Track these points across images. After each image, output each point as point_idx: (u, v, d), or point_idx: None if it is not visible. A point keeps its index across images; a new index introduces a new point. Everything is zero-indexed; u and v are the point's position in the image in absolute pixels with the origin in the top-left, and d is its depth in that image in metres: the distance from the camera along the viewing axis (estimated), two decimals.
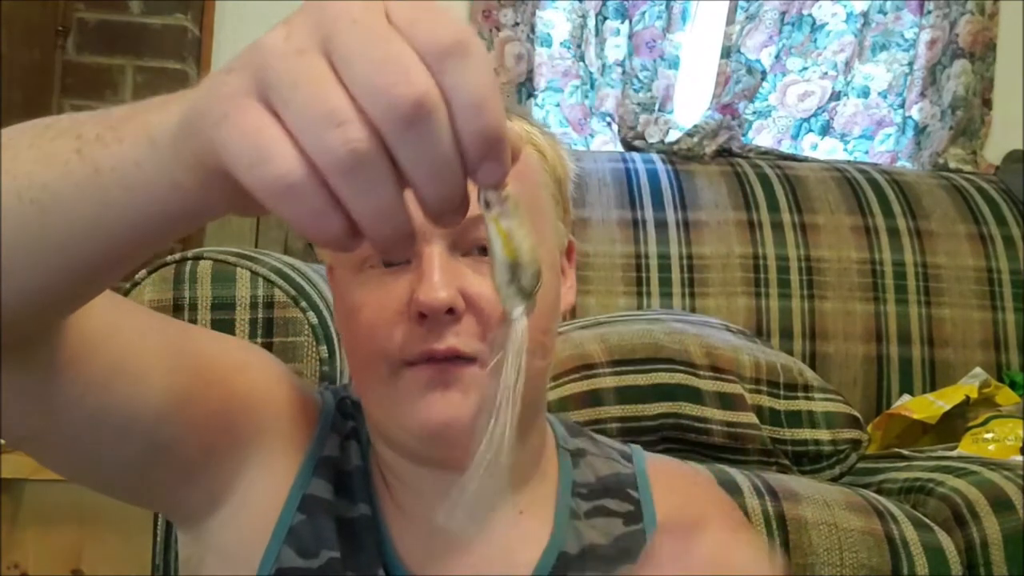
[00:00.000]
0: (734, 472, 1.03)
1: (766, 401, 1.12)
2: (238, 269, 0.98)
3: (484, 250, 0.62)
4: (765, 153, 1.99)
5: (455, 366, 0.60)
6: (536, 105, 2.06)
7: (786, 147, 2.09)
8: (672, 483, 0.75)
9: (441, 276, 0.59)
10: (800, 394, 1.14)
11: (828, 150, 2.12)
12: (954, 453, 1.29)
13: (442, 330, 0.60)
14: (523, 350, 0.38)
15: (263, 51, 0.34)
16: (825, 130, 2.12)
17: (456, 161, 0.34)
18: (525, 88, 2.04)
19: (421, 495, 0.67)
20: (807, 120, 2.11)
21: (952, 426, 1.42)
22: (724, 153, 1.92)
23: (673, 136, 1.95)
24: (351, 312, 0.64)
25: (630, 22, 2.04)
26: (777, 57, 2.06)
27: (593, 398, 1.09)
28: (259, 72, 0.33)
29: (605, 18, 2.04)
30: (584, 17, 2.06)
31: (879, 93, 2.12)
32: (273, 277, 0.99)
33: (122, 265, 0.45)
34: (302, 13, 0.34)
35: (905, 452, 1.32)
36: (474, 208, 0.37)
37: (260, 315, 0.97)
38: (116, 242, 0.41)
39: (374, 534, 0.66)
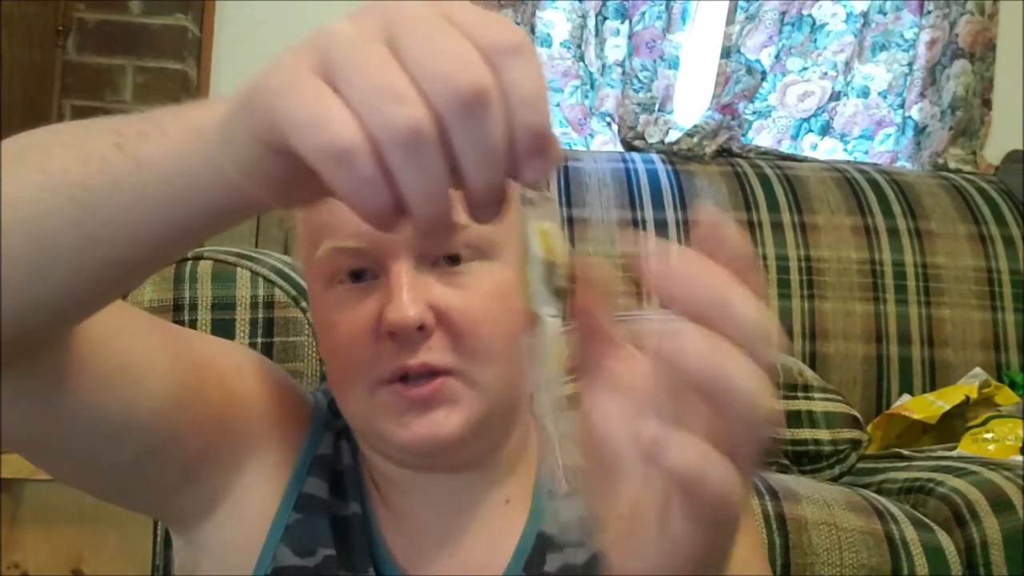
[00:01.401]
0: None
1: None
2: (238, 269, 0.98)
3: (452, 259, 0.62)
4: (765, 153, 1.99)
5: (432, 391, 0.61)
6: None
7: (786, 147, 2.09)
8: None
9: (409, 293, 0.59)
10: (800, 394, 1.15)
11: (828, 150, 2.12)
12: (954, 453, 1.29)
13: (414, 347, 0.60)
14: (562, 351, 0.38)
15: (328, 36, 0.35)
16: (825, 130, 2.12)
17: (505, 152, 0.35)
18: None
19: (408, 495, 0.68)
20: (807, 120, 2.12)
21: (952, 426, 1.42)
22: (724, 153, 1.92)
23: (673, 136, 1.95)
24: (324, 329, 0.65)
25: (630, 22, 2.04)
26: (777, 57, 2.06)
27: None
28: (324, 53, 0.34)
29: (605, 18, 2.04)
30: (584, 17, 2.06)
31: (879, 93, 2.12)
32: (273, 277, 0.99)
33: (153, 264, 0.45)
34: (367, 9, 0.35)
35: (905, 452, 1.32)
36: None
37: (260, 315, 0.97)
38: (152, 239, 0.42)
39: (365, 532, 0.67)
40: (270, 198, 0.38)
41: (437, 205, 0.34)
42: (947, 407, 1.43)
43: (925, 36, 2.08)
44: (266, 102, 0.35)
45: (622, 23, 2.04)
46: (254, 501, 0.66)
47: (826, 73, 2.09)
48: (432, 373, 0.61)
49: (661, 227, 1.71)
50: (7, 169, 0.41)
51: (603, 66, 2.05)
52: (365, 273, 0.62)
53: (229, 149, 0.38)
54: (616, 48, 2.04)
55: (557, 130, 2.07)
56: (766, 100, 2.09)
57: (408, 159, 0.33)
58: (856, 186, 1.80)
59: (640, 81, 2.02)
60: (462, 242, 0.62)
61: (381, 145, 0.33)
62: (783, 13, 2.05)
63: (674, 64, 2.04)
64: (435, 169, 0.34)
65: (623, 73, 2.04)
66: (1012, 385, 1.54)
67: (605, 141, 2.07)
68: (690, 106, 2.07)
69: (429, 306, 0.60)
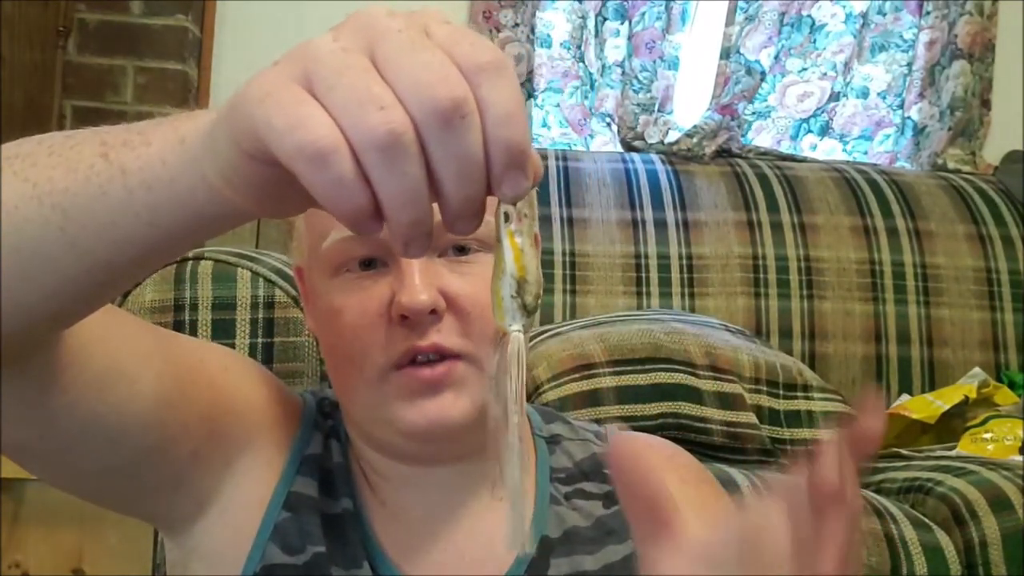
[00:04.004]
0: (733, 472, 1.03)
1: (765, 401, 1.13)
2: (239, 269, 0.99)
3: (460, 249, 0.64)
4: (764, 153, 1.99)
5: (443, 373, 0.62)
6: (536, 106, 2.06)
7: (785, 148, 2.09)
8: (648, 451, 0.77)
9: (422, 278, 0.61)
10: (799, 394, 1.15)
11: (827, 151, 2.12)
12: (953, 453, 1.29)
13: (425, 329, 0.62)
14: (524, 363, 0.39)
15: (310, 47, 0.35)
16: (824, 131, 2.12)
17: (483, 166, 0.35)
18: (525, 89, 2.04)
19: (402, 490, 0.69)
20: (806, 121, 2.12)
21: (951, 426, 1.42)
22: (723, 154, 1.92)
23: (673, 137, 1.96)
24: (331, 316, 0.65)
25: (630, 23, 2.04)
26: (776, 58, 2.06)
27: (593, 398, 1.10)
28: (305, 62, 0.35)
29: (605, 19, 2.05)
30: (584, 18, 2.06)
31: (878, 94, 2.12)
32: (274, 277, 0.99)
33: (140, 271, 0.45)
34: (349, 22, 0.36)
35: (904, 452, 1.32)
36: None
37: (261, 315, 0.97)
38: (137, 246, 0.42)
39: (358, 528, 0.67)
40: (251, 207, 0.39)
41: (414, 211, 0.35)
42: (946, 407, 1.43)
43: (924, 37, 2.08)
44: (246, 109, 0.35)
45: (622, 24, 2.04)
46: (243, 502, 0.66)
47: (825, 74, 2.10)
48: (442, 355, 0.62)
49: (661, 227, 1.72)
50: None
51: (603, 67, 2.05)
52: (375, 262, 0.64)
53: (211, 157, 0.38)
54: (616, 49, 2.05)
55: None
56: (765, 100, 2.09)
57: (386, 163, 0.34)
58: (855, 186, 1.80)
59: (640, 82, 2.03)
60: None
61: (359, 148, 0.34)
62: (782, 14, 2.05)
63: (674, 65, 2.04)
64: (413, 174, 0.34)
65: (623, 74, 2.04)
66: (1011, 385, 1.54)
67: (605, 141, 2.07)
68: (690, 106, 2.07)
69: (440, 291, 0.62)
